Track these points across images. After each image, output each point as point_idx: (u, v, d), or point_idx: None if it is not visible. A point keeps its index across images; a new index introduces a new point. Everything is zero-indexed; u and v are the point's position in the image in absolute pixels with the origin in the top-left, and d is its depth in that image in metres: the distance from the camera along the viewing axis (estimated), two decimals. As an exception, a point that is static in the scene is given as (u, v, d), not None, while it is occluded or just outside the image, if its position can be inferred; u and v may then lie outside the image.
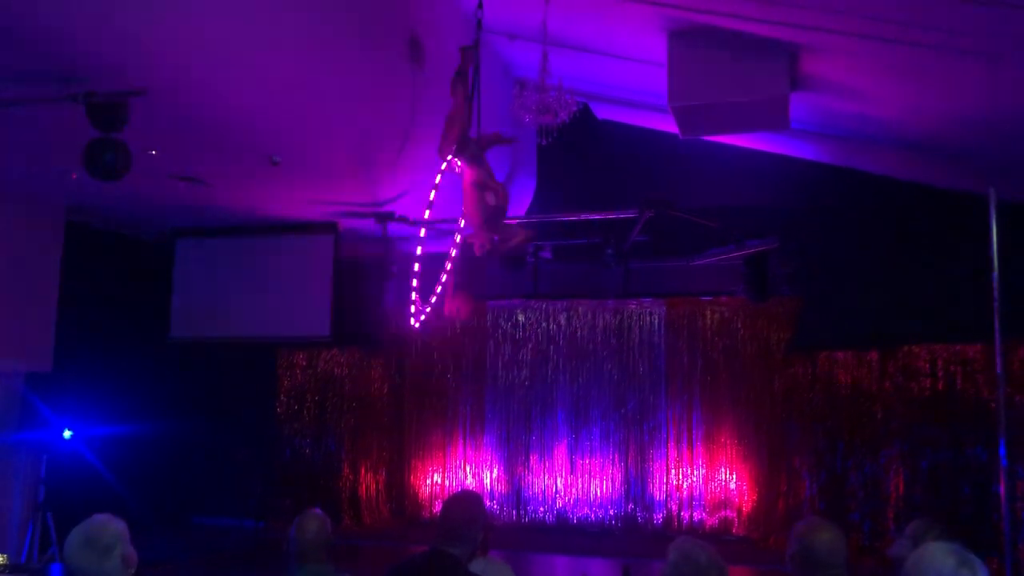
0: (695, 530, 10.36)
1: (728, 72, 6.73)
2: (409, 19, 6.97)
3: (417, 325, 6.60)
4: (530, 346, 11.41)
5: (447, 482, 11.53)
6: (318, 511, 3.62)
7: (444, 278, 6.35)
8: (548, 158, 9.95)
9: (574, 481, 11.08)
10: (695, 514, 10.62)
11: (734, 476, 10.52)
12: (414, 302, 6.47)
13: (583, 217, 9.60)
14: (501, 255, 6.75)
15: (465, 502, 3.15)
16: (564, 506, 11.07)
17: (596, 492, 10.98)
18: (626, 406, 10.94)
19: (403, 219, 9.04)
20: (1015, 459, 7.85)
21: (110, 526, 2.77)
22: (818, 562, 2.78)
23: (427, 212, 6.69)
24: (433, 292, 6.42)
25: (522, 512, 11.19)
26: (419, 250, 6.64)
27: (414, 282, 6.56)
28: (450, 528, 2.97)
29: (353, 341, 11.06)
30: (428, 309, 6.46)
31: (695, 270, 10.38)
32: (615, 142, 10.64)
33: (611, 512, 10.88)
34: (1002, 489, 5.11)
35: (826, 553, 2.78)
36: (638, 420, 10.90)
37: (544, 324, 11.38)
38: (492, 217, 6.05)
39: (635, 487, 10.86)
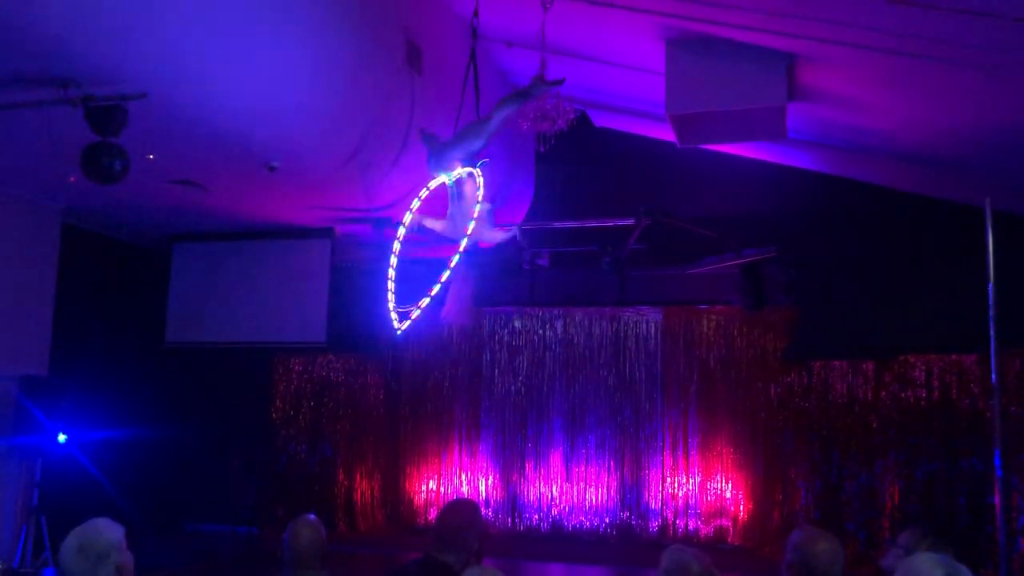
0: (690, 539, 10.33)
1: (726, 81, 6.75)
2: (407, 25, 6.98)
3: (400, 333, 6.73)
4: (526, 353, 11.40)
5: (442, 489, 11.50)
6: (312, 517, 3.60)
7: (444, 282, 6.43)
8: (546, 165, 9.96)
9: (569, 489, 11.06)
10: (690, 523, 10.60)
11: (729, 485, 10.51)
12: (395, 309, 6.59)
13: (580, 224, 9.61)
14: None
15: (461, 510, 3.15)
16: (559, 514, 11.05)
17: (591, 500, 10.96)
18: (622, 414, 10.93)
19: (400, 225, 9.03)
20: (1010, 470, 7.85)
21: (105, 534, 2.73)
22: (816, 572, 2.77)
23: (407, 216, 6.85)
24: (427, 297, 6.50)
25: (517, 520, 11.16)
26: (394, 257, 6.72)
27: (390, 286, 6.67)
28: (445, 535, 2.96)
29: (349, 347, 11.04)
30: (413, 316, 6.55)
31: (692, 278, 10.39)
32: (613, 150, 10.66)
33: (606, 520, 10.86)
34: (997, 499, 5.11)
35: (824, 563, 2.77)
36: (634, 428, 10.89)
37: (540, 331, 11.38)
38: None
39: (630, 495, 10.84)
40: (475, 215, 6.15)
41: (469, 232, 6.17)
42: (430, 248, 10.19)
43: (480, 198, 6.20)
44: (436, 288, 6.42)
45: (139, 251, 10.47)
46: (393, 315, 6.64)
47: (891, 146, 8.17)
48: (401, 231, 6.91)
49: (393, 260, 6.81)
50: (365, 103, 6.73)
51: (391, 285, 6.75)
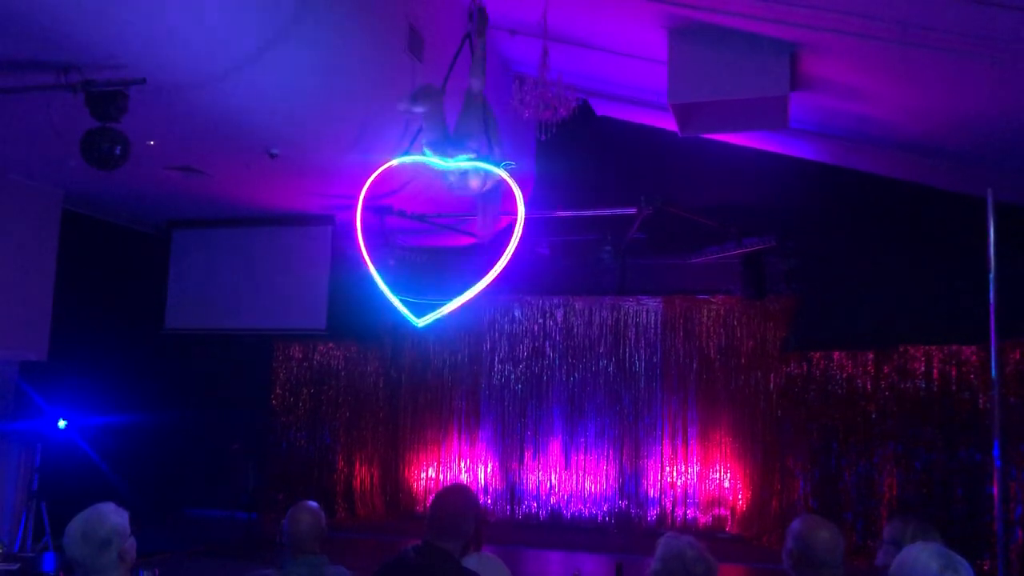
0: (688, 527, 10.37)
1: (728, 70, 6.73)
2: (409, 11, 6.95)
3: (423, 326, 6.33)
4: (526, 342, 11.41)
5: (441, 476, 11.53)
6: (312, 503, 3.62)
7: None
8: (547, 154, 9.93)
9: (568, 477, 11.08)
10: (688, 511, 10.63)
11: (728, 474, 10.53)
12: (406, 301, 6.28)
13: (581, 214, 9.59)
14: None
15: (456, 495, 3.11)
16: (558, 502, 11.08)
17: (590, 488, 10.99)
18: (621, 403, 10.95)
19: (401, 213, 9.03)
20: (1008, 460, 7.87)
21: (109, 519, 2.72)
22: (816, 561, 2.78)
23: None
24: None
25: (516, 508, 11.19)
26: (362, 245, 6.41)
27: (379, 281, 6.30)
28: (441, 522, 2.95)
29: (349, 335, 11.05)
30: (442, 313, 6.18)
31: (693, 268, 10.39)
32: (614, 139, 10.64)
33: (605, 508, 10.89)
34: (995, 490, 5.12)
35: (824, 552, 2.78)
36: (633, 417, 10.91)
37: (540, 320, 11.38)
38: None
39: (629, 484, 10.87)
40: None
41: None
42: (428, 237, 10.23)
43: (521, 207, 5.90)
44: (472, 290, 6.07)
45: (139, 237, 10.45)
46: (404, 310, 6.12)
47: (893, 136, 8.15)
48: (358, 214, 6.49)
49: (363, 250, 6.30)
50: (367, 90, 6.71)
51: (378, 279, 6.31)
